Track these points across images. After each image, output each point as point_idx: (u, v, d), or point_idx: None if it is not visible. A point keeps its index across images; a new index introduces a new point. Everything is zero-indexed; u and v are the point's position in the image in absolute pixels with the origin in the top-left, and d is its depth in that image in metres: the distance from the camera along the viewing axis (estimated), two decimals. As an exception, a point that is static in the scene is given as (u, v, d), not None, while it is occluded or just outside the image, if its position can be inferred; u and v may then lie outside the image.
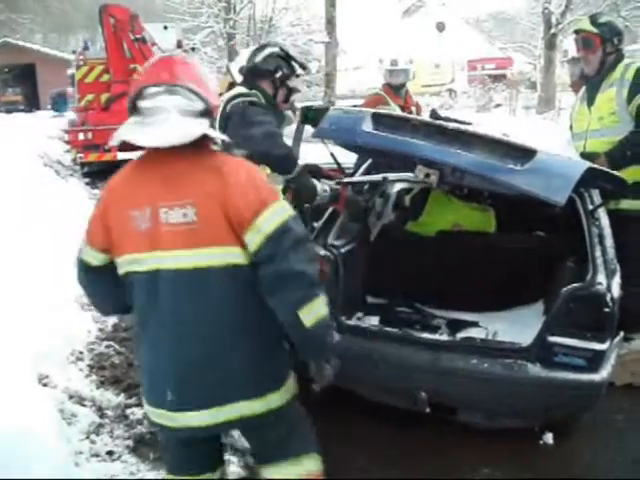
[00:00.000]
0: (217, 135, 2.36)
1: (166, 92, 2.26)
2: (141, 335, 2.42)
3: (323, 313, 2.32)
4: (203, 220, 2.22)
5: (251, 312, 2.34)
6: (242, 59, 4.27)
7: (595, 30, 4.56)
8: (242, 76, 3.86)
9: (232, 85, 4.35)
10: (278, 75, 3.61)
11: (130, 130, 2.26)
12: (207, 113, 2.32)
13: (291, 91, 3.78)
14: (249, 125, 3.32)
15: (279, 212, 2.27)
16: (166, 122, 2.23)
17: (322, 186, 3.60)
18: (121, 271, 2.38)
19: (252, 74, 3.64)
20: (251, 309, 2.34)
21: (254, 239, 2.23)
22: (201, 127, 2.26)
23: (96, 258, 2.46)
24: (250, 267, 2.28)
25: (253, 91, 3.53)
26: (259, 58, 3.64)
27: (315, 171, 3.76)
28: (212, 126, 2.36)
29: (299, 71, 3.83)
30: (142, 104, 2.27)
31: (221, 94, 4.31)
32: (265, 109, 3.40)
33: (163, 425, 2.42)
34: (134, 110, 2.31)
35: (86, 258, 2.48)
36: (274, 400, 2.44)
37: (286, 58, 3.69)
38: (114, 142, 2.30)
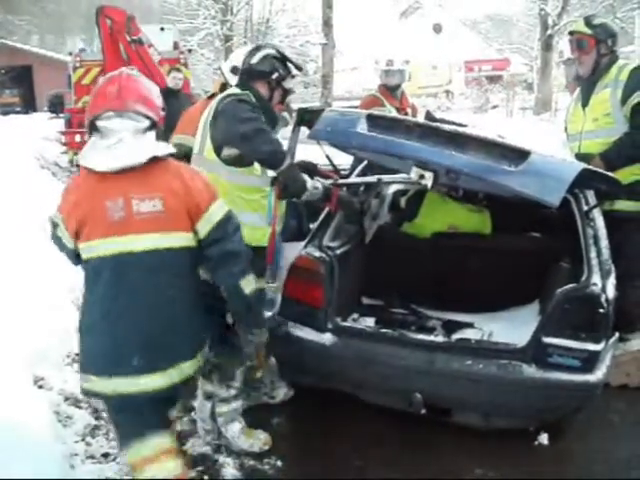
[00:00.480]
0: (165, 152, 2.75)
1: (117, 116, 2.71)
2: (103, 312, 2.68)
3: (256, 286, 2.99)
4: (168, 210, 2.68)
5: (194, 286, 2.84)
6: (234, 59, 4.28)
7: (589, 31, 4.57)
8: (236, 76, 3.90)
9: (224, 86, 4.36)
10: (274, 76, 3.61)
11: (90, 156, 2.72)
12: (153, 126, 2.78)
13: (287, 92, 3.78)
14: (238, 122, 3.33)
15: (223, 206, 2.84)
16: (120, 145, 2.66)
17: (314, 183, 3.60)
18: (89, 255, 2.70)
19: (247, 75, 3.63)
20: (194, 284, 2.85)
21: (205, 226, 2.77)
22: (152, 148, 2.71)
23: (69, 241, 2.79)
24: (197, 249, 2.80)
25: (246, 91, 3.53)
26: (254, 60, 3.63)
27: (310, 169, 3.77)
28: (158, 135, 2.81)
29: (295, 72, 3.84)
30: (99, 123, 2.72)
31: (214, 95, 4.32)
32: (254, 107, 3.40)
33: (122, 393, 2.68)
34: (93, 128, 2.75)
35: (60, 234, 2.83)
36: (200, 361, 2.89)
37: (281, 59, 3.69)
38: (81, 163, 2.75)
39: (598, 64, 4.57)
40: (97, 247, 2.67)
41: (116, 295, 2.67)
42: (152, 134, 2.78)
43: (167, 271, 2.72)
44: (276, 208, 3.40)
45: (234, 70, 4.14)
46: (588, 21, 4.64)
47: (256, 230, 3.51)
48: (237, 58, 4.12)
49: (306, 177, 3.53)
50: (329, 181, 3.92)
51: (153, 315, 2.70)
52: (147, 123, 2.75)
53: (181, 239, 2.74)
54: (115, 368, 2.67)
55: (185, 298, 2.79)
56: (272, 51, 3.69)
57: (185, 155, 3.67)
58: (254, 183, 3.49)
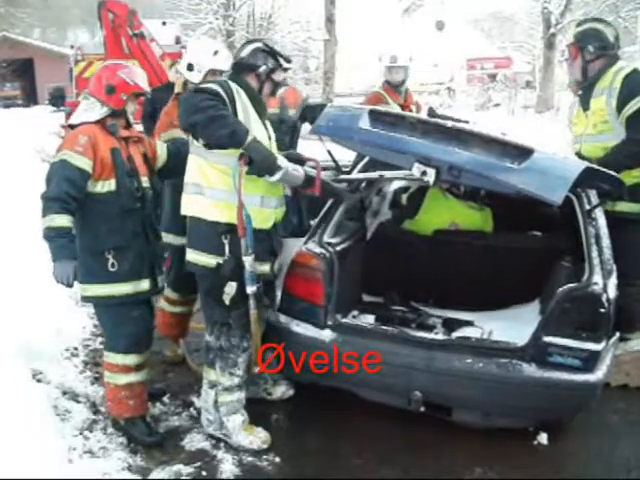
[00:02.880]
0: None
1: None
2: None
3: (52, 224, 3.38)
4: None
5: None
6: (189, 56, 4.36)
7: (572, 39, 4.56)
8: (192, 72, 4.34)
9: (186, 84, 4.41)
10: (262, 69, 3.65)
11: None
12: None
13: (277, 85, 3.83)
14: (192, 113, 3.33)
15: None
16: None
17: (293, 165, 3.60)
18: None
19: (238, 69, 3.70)
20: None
21: None
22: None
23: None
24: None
25: (214, 82, 3.54)
26: (244, 53, 3.72)
27: (293, 157, 3.79)
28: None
29: (285, 65, 3.88)
30: None
31: (179, 94, 4.38)
32: (213, 95, 3.39)
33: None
34: None
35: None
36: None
37: (270, 52, 3.72)
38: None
39: (586, 70, 4.53)
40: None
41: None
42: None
43: None
44: (240, 183, 3.38)
45: (190, 67, 4.35)
46: (576, 27, 4.62)
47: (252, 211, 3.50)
48: (191, 55, 4.39)
49: (284, 160, 3.52)
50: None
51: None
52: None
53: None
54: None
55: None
56: (260, 45, 3.75)
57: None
58: (232, 163, 3.47)
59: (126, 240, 3.63)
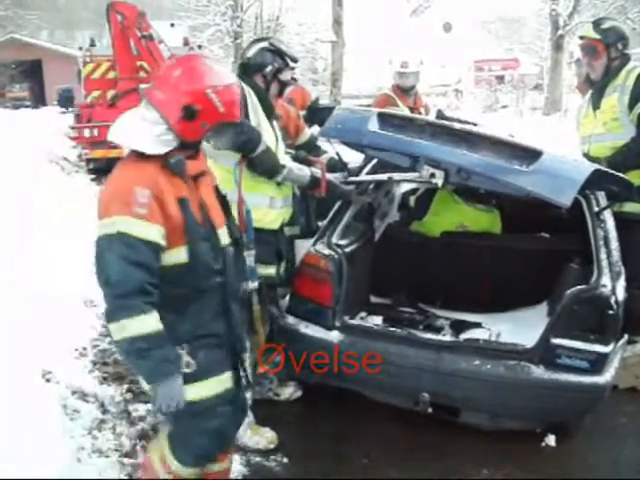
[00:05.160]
0: None
1: None
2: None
3: (132, 334, 2.35)
4: None
5: None
6: None
7: (598, 36, 4.55)
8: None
9: None
10: (269, 69, 3.66)
11: None
12: None
13: (284, 85, 3.83)
14: None
15: (103, 225, 2.41)
16: None
17: (298, 165, 3.62)
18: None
19: (245, 69, 3.70)
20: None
21: None
22: None
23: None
24: None
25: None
26: (250, 53, 3.72)
27: (301, 158, 3.81)
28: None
29: (291, 64, 3.89)
30: None
31: None
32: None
33: None
34: None
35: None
36: None
37: (276, 52, 3.72)
38: None
39: (609, 68, 4.55)
40: None
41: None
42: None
43: None
44: (240, 182, 3.40)
45: None
46: (597, 25, 4.62)
47: (255, 211, 3.51)
48: None
49: (289, 160, 3.54)
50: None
51: None
52: None
53: None
54: None
55: None
56: (266, 44, 3.74)
57: None
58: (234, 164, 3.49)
59: (204, 328, 2.63)
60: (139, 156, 2.45)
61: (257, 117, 3.53)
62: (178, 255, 2.49)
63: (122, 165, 2.52)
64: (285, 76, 3.84)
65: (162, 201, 2.41)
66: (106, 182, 2.53)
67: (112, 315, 2.35)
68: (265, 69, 3.67)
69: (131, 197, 2.35)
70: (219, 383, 2.65)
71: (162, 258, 2.45)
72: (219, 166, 3.49)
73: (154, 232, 2.38)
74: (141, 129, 2.46)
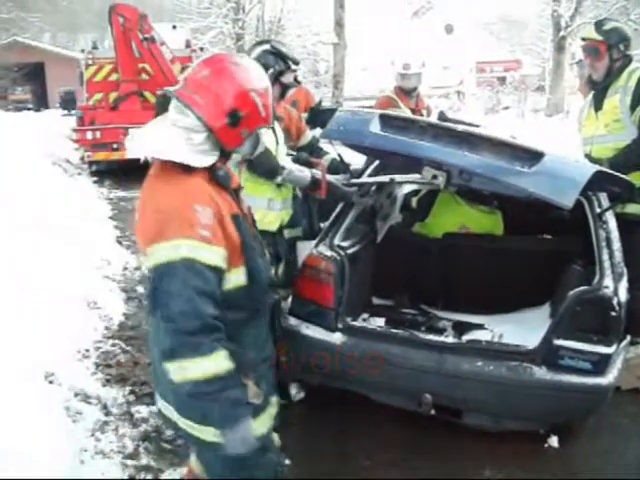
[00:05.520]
0: None
1: None
2: None
3: (193, 376, 2.06)
4: None
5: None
6: None
7: (600, 37, 4.55)
8: None
9: None
10: (270, 72, 3.66)
11: None
12: None
13: (286, 87, 3.84)
14: None
15: (163, 249, 2.11)
16: None
17: (298, 167, 3.63)
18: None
19: None
20: None
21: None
22: None
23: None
24: None
25: None
26: (253, 55, 3.74)
27: (302, 160, 3.81)
28: None
29: (293, 66, 3.89)
30: None
31: None
32: None
33: None
34: None
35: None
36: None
37: (278, 54, 3.73)
38: None
39: (611, 69, 4.55)
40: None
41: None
42: None
43: None
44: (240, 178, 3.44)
45: None
46: (599, 26, 4.62)
47: (254, 212, 3.52)
48: None
49: (288, 162, 3.54)
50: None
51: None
52: None
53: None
54: None
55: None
56: (268, 47, 3.75)
57: None
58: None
59: (263, 352, 2.43)
60: (181, 168, 2.16)
61: None
62: (237, 277, 2.25)
63: (163, 179, 2.19)
64: (287, 79, 3.86)
65: (222, 220, 2.16)
66: (147, 199, 2.22)
67: (175, 353, 2.04)
68: (267, 72, 3.68)
69: (193, 217, 2.07)
70: (269, 417, 2.43)
71: (224, 282, 2.20)
72: None
73: (219, 257, 2.13)
74: (176, 138, 2.18)
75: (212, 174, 2.20)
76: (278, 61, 3.73)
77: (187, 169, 2.15)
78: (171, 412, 2.27)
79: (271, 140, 3.62)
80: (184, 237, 2.05)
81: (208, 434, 2.12)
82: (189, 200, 2.10)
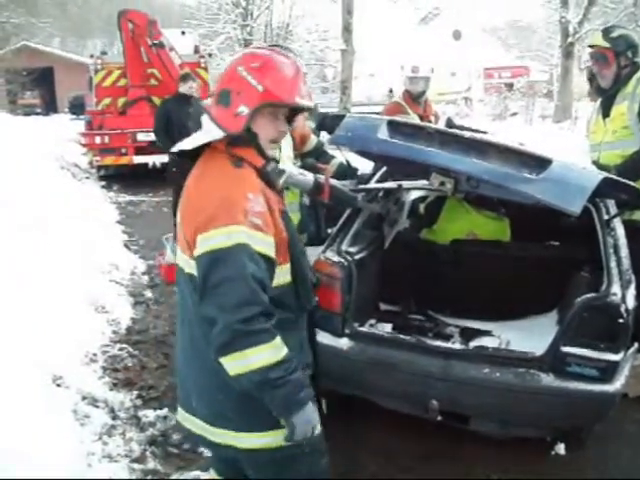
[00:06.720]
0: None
1: None
2: None
3: (251, 367, 2.00)
4: None
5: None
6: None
7: (608, 44, 4.56)
8: None
9: None
10: None
11: None
12: None
13: None
14: None
15: (213, 238, 2.04)
16: None
17: (300, 170, 3.63)
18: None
19: None
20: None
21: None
22: None
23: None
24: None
25: None
26: None
27: (308, 166, 3.81)
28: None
29: None
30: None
31: None
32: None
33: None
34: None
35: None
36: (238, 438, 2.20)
37: None
38: None
39: (619, 76, 4.55)
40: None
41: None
42: None
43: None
44: None
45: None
46: (607, 33, 4.62)
47: None
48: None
49: (289, 165, 3.55)
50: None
51: (186, 356, 2.28)
52: None
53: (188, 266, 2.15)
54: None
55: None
56: None
57: None
58: None
59: (306, 358, 2.36)
60: (230, 161, 2.14)
61: None
62: (284, 275, 2.18)
63: (213, 170, 2.17)
64: None
65: (273, 211, 2.11)
66: (194, 189, 2.18)
67: (234, 345, 1.96)
68: None
69: (246, 204, 2.02)
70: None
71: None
72: None
73: (270, 246, 2.07)
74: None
75: (261, 171, 2.16)
76: None
77: (236, 162, 2.13)
78: (196, 424, 2.25)
79: None
80: (237, 224, 1.99)
81: (254, 439, 2.15)
82: (242, 188, 2.06)
